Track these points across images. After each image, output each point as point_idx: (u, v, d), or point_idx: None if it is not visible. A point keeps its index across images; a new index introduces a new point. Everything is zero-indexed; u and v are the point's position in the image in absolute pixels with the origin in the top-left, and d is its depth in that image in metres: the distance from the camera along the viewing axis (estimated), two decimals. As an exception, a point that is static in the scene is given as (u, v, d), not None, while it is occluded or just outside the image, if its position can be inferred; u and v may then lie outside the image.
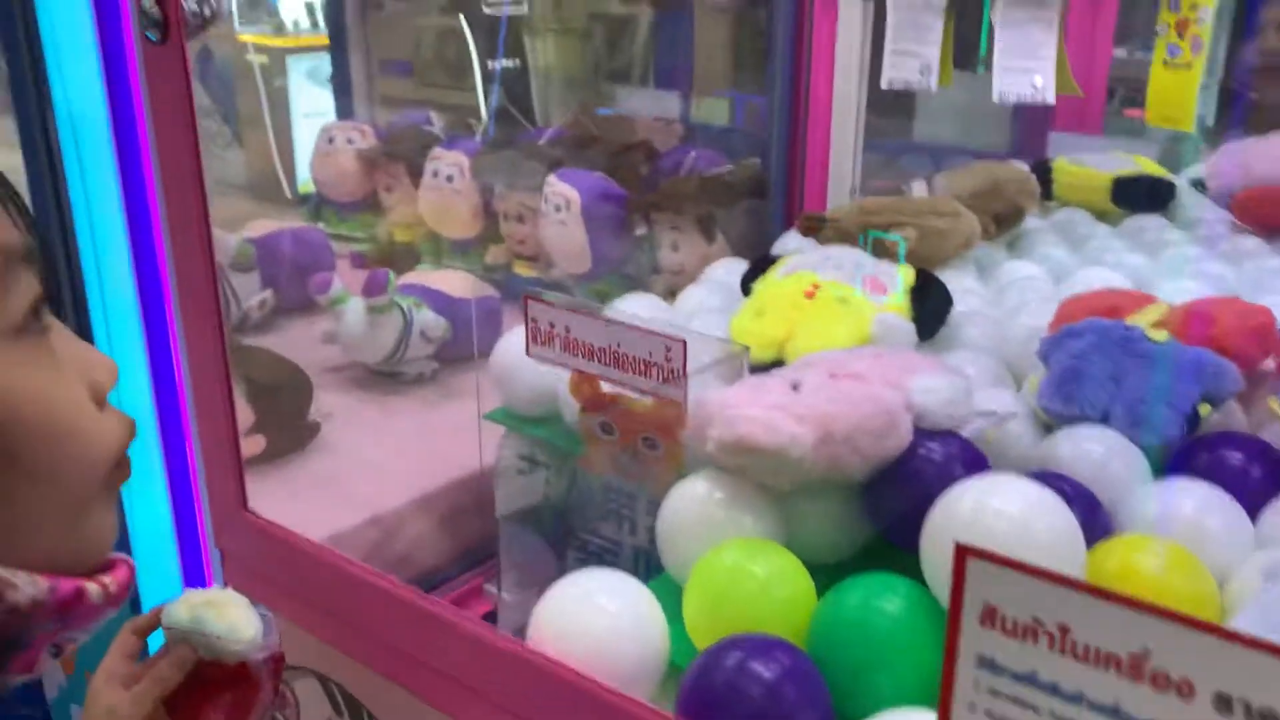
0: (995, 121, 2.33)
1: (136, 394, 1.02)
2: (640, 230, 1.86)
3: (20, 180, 1.44)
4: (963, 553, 0.59)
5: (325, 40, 5.28)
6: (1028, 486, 0.81)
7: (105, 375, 0.56)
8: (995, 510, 0.79)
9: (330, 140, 2.10)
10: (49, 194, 0.97)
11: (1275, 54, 1.76)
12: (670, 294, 1.77)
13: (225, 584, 0.94)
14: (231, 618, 0.79)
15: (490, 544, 1.38)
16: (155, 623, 0.81)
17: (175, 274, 0.94)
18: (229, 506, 1.02)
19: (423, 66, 3.33)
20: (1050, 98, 1.49)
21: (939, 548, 0.79)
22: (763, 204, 1.77)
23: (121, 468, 0.57)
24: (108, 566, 0.57)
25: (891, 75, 1.60)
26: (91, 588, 0.55)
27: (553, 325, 1.17)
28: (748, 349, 1.08)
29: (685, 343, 1.06)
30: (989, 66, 2.06)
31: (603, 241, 1.78)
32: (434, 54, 3.32)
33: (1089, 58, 2.20)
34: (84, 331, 1.01)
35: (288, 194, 4.67)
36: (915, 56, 1.57)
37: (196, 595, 0.80)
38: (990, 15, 1.51)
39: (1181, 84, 1.39)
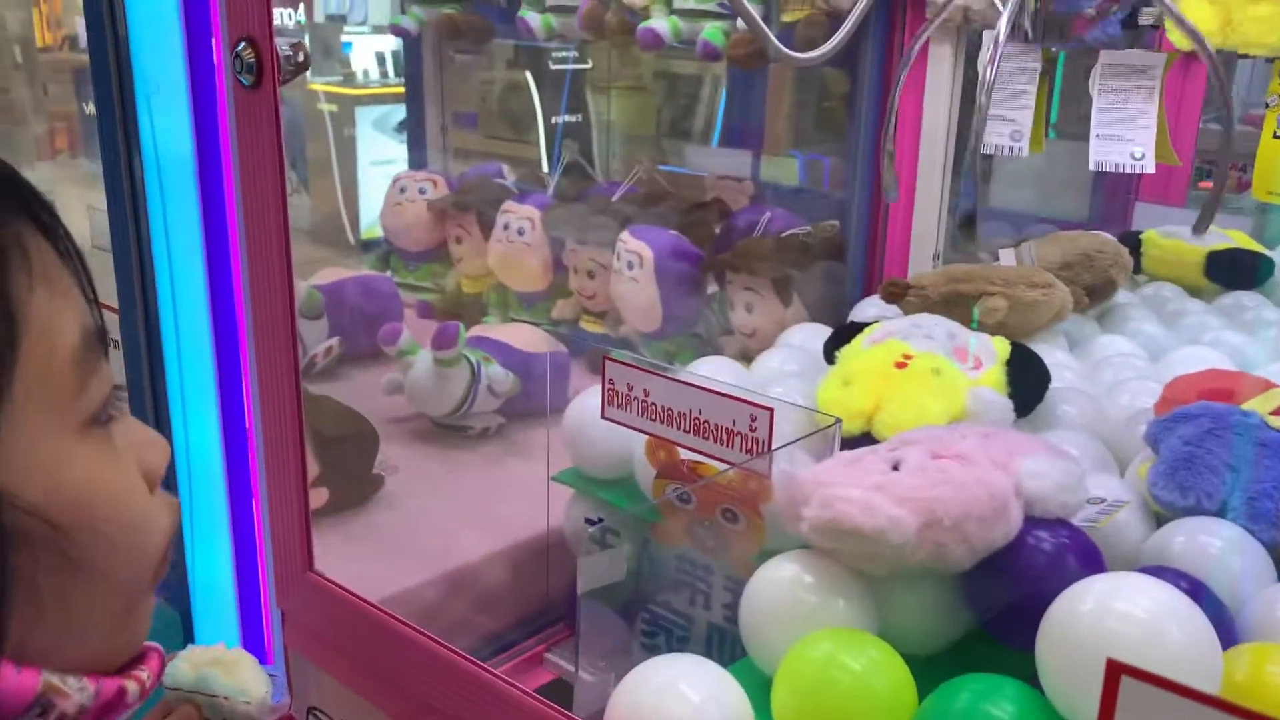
0: (1075, 189, 2.26)
1: (206, 442, 0.99)
2: (712, 289, 1.83)
3: (101, 219, 1.43)
4: (1116, 671, 0.53)
5: (394, 90, 5.38)
6: (1157, 588, 0.74)
7: (159, 457, 0.53)
8: (1122, 613, 0.72)
9: (402, 190, 2.10)
10: (129, 235, 0.95)
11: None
12: (743, 356, 1.72)
13: (285, 645, 0.90)
14: (240, 677, 0.74)
15: (553, 610, 1.33)
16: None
17: (253, 320, 0.91)
18: (294, 567, 0.98)
19: (488, 118, 3.36)
20: (1150, 167, 1.44)
21: (1059, 652, 0.73)
22: (841, 267, 1.72)
23: (165, 559, 0.54)
24: (140, 657, 0.55)
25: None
26: (131, 686, 0.53)
27: (630, 387, 1.13)
28: (839, 421, 1.03)
29: (772, 411, 1.01)
30: (1060, 132, 2.01)
31: (674, 300, 1.74)
32: (499, 107, 3.35)
33: (1175, 126, 2.14)
34: (156, 373, 0.98)
35: (351, 240, 4.72)
36: (1007, 121, 1.52)
37: (201, 653, 0.76)
38: (1088, 83, 1.47)
39: (1294, 157, 1.33)
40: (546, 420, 1.59)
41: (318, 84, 5.28)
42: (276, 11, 0.88)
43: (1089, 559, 0.87)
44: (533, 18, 1.91)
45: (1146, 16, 1.39)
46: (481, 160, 3.06)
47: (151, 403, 0.98)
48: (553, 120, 3.09)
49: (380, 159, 5.15)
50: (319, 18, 5.88)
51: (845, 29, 1.39)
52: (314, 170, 4.86)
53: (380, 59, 5.55)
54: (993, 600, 0.87)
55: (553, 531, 1.28)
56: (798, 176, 2.43)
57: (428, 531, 1.35)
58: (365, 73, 5.58)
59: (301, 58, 0.86)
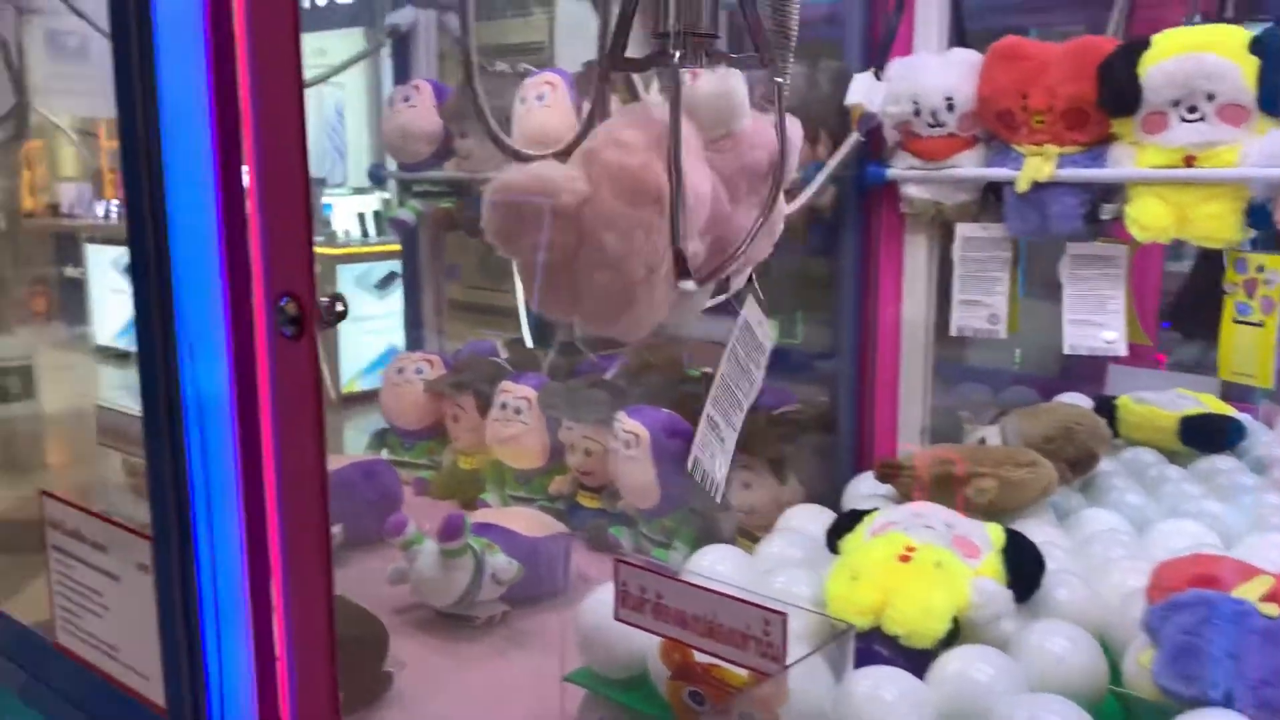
0: (1049, 349, 2.35)
1: (236, 674, 1.01)
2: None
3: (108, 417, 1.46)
4: None
5: (374, 249, 5.50)
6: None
7: None
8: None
9: (399, 371, 2.15)
10: (165, 471, 0.99)
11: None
12: (742, 533, 1.76)
13: None
14: None
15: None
16: None
17: (288, 559, 0.95)
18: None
19: (469, 270, 3.45)
20: (1123, 350, 1.52)
21: None
22: (833, 441, 1.78)
23: None
24: None
25: (961, 324, 1.64)
26: None
27: (643, 590, 1.16)
28: (853, 628, 1.06)
29: (785, 617, 1.05)
30: (1027, 291, 2.10)
31: (671, 477, 1.78)
32: (479, 259, 3.44)
33: (1140, 293, 2.25)
34: (189, 600, 1.01)
35: (333, 396, 4.75)
36: (984, 306, 1.61)
37: None
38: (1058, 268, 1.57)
39: (1256, 342, 1.41)
40: (549, 608, 1.63)
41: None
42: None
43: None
44: (526, 210, 2.00)
45: (1106, 212, 1.49)
46: (465, 321, 3.14)
47: (184, 629, 1.01)
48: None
49: (362, 315, 5.25)
50: (300, 180, 6.01)
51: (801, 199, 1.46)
52: (296, 329, 4.93)
53: (361, 219, 5.72)
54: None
55: (567, 731, 1.29)
56: (779, 333, 2.52)
57: (441, 734, 1.36)
58: (346, 232, 5.73)
59: (340, 308, 0.92)
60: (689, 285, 1.01)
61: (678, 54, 1.00)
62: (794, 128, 1.07)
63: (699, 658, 1.14)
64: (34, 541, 1.33)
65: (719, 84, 1.00)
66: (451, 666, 1.51)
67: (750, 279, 1.20)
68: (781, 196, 1.12)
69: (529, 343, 2.89)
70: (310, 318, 0.90)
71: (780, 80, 1.08)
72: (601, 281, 0.95)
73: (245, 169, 0.91)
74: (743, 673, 1.10)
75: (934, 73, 1.55)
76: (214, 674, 1.01)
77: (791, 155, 1.05)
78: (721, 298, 1.20)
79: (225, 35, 0.89)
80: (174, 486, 0.98)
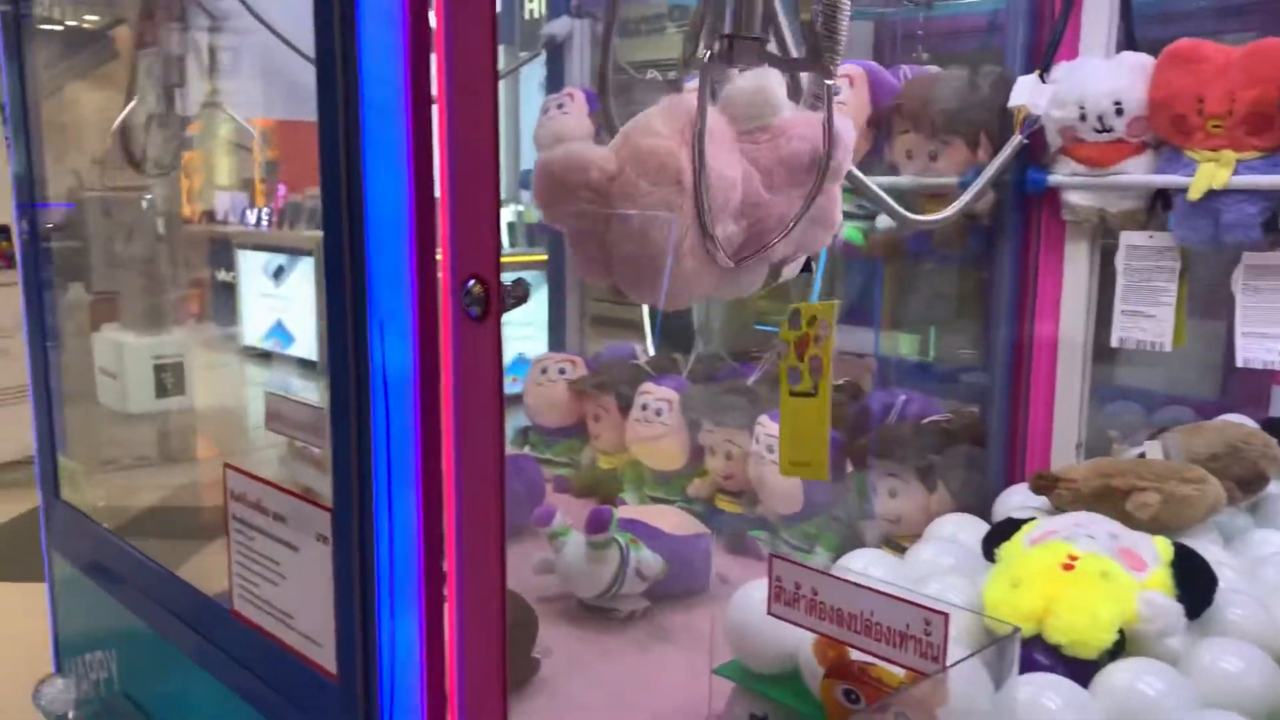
0: (1207, 368, 2.25)
1: (408, 647, 1.05)
2: (848, 470, 1.86)
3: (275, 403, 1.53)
4: None
5: (514, 259, 5.64)
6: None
7: None
8: None
9: (544, 370, 2.20)
10: (351, 442, 1.03)
11: None
12: (885, 541, 1.74)
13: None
14: None
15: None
16: None
17: (462, 535, 0.98)
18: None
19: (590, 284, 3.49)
20: (1301, 364, 1.45)
21: None
22: (983, 453, 1.74)
23: None
24: None
25: (1123, 335, 1.60)
26: None
27: (798, 586, 1.16)
28: (1019, 631, 1.04)
29: (947, 616, 1.03)
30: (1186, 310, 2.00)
31: (815, 483, 1.77)
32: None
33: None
34: (366, 569, 1.05)
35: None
36: (1147, 317, 1.56)
37: None
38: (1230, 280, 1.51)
39: None
40: (690, 605, 1.63)
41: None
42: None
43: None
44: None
45: (1288, 221, 1.43)
46: (593, 333, 3.18)
47: (359, 599, 1.05)
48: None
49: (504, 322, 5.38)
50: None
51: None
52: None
53: (509, 229, 5.85)
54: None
55: (714, 724, 1.29)
56: (917, 350, 2.48)
57: (587, 720, 1.38)
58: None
59: (521, 291, 0.95)
60: (725, 263, 1.08)
61: (708, 54, 1.09)
62: (845, 125, 1.11)
63: (855, 655, 1.13)
64: (193, 526, 1.40)
65: (754, 81, 1.09)
66: (596, 656, 1.54)
67: (808, 264, 1.23)
68: (838, 189, 1.17)
69: (651, 350, 2.92)
70: (495, 300, 0.93)
71: (830, 83, 1.13)
72: (629, 252, 1.08)
73: (436, 154, 0.95)
74: (900, 672, 1.09)
75: (1102, 76, 1.51)
76: (385, 644, 1.04)
77: (840, 152, 1.09)
78: (774, 283, 1.25)
79: (423, 27, 0.94)
80: (357, 459, 1.03)
